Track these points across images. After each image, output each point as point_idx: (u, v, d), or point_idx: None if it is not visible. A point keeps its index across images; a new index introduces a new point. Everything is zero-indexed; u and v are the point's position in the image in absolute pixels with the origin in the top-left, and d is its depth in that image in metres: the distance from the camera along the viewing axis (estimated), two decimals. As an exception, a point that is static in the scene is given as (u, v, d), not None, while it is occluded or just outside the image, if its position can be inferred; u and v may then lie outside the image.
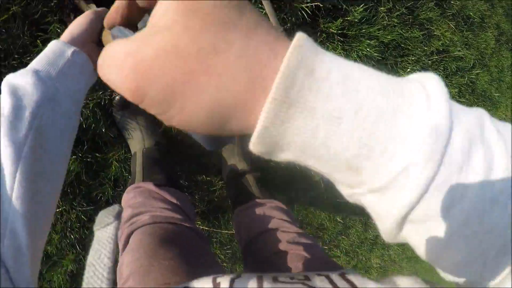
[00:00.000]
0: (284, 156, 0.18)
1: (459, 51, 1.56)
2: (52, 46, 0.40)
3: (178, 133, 1.04)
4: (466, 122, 0.16)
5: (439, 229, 0.16)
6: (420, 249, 0.19)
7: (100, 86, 0.87)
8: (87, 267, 0.26)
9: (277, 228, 0.65)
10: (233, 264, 1.46)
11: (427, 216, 0.16)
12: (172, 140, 1.05)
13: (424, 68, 1.45)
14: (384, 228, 0.18)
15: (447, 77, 1.58)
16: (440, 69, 1.55)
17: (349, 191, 0.19)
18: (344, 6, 1.11)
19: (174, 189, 0.73)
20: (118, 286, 0.51)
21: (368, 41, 1.19)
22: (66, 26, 0.66)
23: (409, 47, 1.38)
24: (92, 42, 0.45)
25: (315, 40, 0.97)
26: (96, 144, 0.92)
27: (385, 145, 0.15)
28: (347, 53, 1.19)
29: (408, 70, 1.38)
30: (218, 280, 0.30)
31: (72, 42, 0.41)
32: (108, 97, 0.88)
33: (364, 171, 0.16)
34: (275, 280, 0.29)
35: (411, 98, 0.16)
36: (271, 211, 0.74)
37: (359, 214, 1.54)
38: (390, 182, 0.16)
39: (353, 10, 1.12)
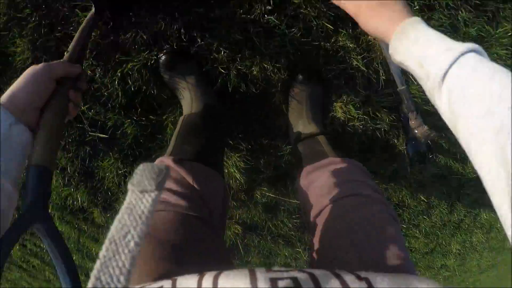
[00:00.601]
0: (398, 57, 0.38)
1: None
2: None
3: (236, 92, 0.91)
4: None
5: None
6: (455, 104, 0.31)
7: (145, 46, 0.80)
8: (107, 242, 0.22)
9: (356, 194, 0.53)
10: (302, 233, 1.37)
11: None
12: (231, 99, 0.94)
13: None
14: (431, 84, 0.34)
15: None
16: None
17: (424, 82, 0.35)
18: None
19: (198, 166, 0.62)
20: None
21: None
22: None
23: (468, 25, 0.87)
24: (36, 109, 0.39)
25: None
26: (150, 106, 0.90)
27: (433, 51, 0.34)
28: None
29: None
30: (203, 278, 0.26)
31: (12, 105, 0.37)
32: (155, 57, 0.81)
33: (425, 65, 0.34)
34: (268, 270, 0.26)
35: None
36: (348, 174, 0.60)
37: (446, 195, 1.40)
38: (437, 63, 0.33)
39: None
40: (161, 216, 0.48)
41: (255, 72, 0.85)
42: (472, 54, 0.31)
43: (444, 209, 1.46)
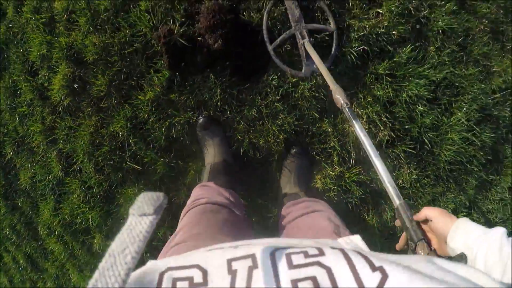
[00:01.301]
0: (452, 244, 0.56)
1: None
2: None
3: (245, 155, 1.20)
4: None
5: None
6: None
7: (191, 108, 1.14)
8: (107, 255, 0.24)
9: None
10: None
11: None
12: (240, 161, 1.22)
13: (484, 108, 1.18)
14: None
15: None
16: (505, 109, 1.20)
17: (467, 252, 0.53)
18: (391, 48, 1.10)
19: (230, 190, 0.92)
20: (168, 244, 0.63)
21: (417, 80, 1.10)
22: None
23: (464, 85, 1.16)
24: None
25: (365, 82, 0.97)
26: (181, 154, 1.18)
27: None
28: (397, 93, 1.11)
29: (464, 109, 1.16)
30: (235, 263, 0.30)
31: None
32: (195, 117, 1.13)
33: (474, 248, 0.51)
34: (289, 263, 0.28)
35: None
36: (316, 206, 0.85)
37: None
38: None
39: (400, 51, 1.10)
40: (218, 208, 0.75)
41: (261, 142, 1.15)
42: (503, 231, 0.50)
43: None
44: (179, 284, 0.27)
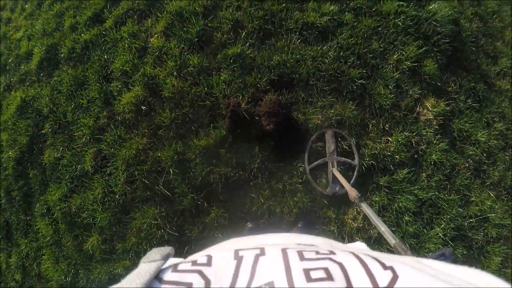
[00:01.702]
0: None
1: (500, 219, 1.46)
2: None
3: (261, 217, 1.41)
4: None
5: None
6: None
7: (231, 165, 1.37)
8: (116, 286, 0.26)
9: None
10: None
11: None
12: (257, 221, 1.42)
13: (460, 229, 1.42)
14: None
15: (488, 243, 1.46)
16: (479, 233, 1.46)
17: None
18: (392, 168, 1.40)
19: None
20: None
21: (408, 195, 1.37)
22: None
23: (445, 207, 1.42)
24: None
25: (367, 188, 1.24)
26: (209, 197, 1.37)
27: None
28: (390, 202, 1.38)
29: (442, 226, 1.39)
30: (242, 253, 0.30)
31: None
32: (232, 174, 1.36)
33: None
34: (301, 256, 0.28)
35: None
36: None
37: None
38: None
39: (399, 171, 1.40)
40: None
41: (277, 210, 1.36)
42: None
43: None
44: (181, 266, 0.29)
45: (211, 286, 0.26)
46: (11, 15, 2.56)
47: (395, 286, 0.24)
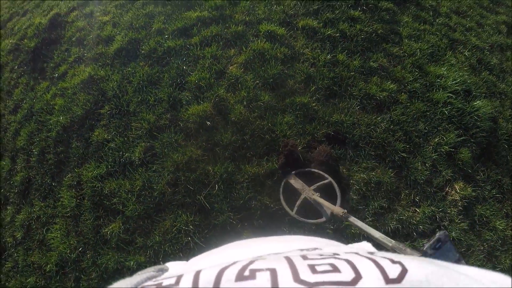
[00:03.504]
0: None
1: None
2: None
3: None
4: None
5: None
6: None
7: (274, 197, 1.46)
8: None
9: None
10: None
11: None
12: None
13: None
14: None
15: None
16: None
17: None
18: (416, 236, 1.45)
19: None
20: None
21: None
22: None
23: None
24: None
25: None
26: (247, 219, 1.45)
27: None
28: None
29: None
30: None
31: None
32: (273, 204, 1.45)
33: None
34: (304, 257, 0.28)
35: None
36: None
37: None
38: None
39: (419, 241, 1.44)
40: None
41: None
42: None
43: None
44: (165, 282, 0.26)
45: (201, 272, 0.25)
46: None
47: (405, 278, 0.23)
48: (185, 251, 1.43)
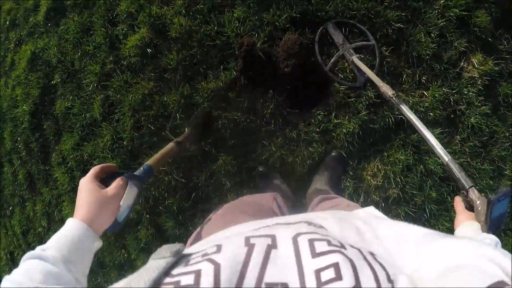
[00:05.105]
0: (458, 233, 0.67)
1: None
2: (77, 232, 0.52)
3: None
4: None
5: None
6: None
7: (242, 109, 1.28)
8: (122, 282, 0.26)
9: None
10: None
11: None
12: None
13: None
14: None
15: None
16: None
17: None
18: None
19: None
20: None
21: (437, 158, 1.25)
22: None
23: (475, 177, 1.29)
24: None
25: (393, 144, 1.10)
26: (217, 144, 1.31)
27: None
28: (416, 163, 1.28)
29: None
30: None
31: (93, 227, 0.54)
32: (242, 119, 1.27)
33: None
34: (312, 251, 0.29)
35: None
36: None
37: None
38: None
39: (430, 130, 1.27)
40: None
41: (290, 160, 1.28)
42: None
43: None
44: (192, 260, 0.29)
45: (221, 269, 0.26)
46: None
47: None
48: (171, 191, 1.38)
